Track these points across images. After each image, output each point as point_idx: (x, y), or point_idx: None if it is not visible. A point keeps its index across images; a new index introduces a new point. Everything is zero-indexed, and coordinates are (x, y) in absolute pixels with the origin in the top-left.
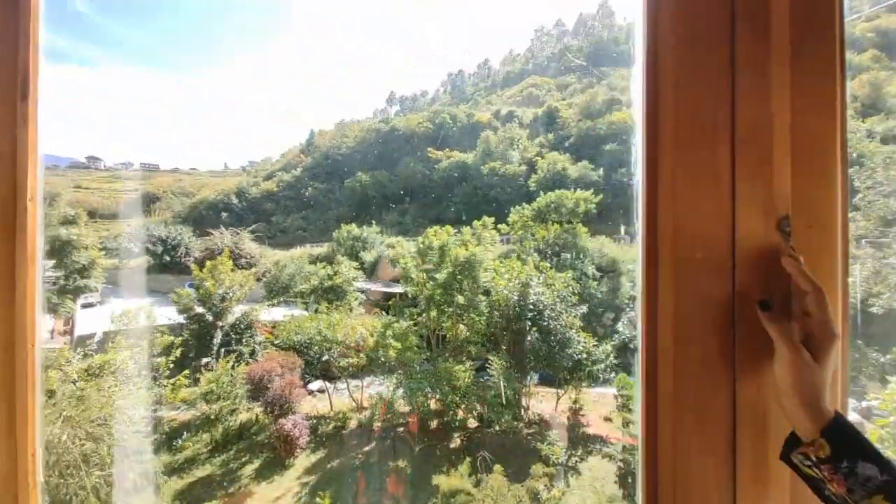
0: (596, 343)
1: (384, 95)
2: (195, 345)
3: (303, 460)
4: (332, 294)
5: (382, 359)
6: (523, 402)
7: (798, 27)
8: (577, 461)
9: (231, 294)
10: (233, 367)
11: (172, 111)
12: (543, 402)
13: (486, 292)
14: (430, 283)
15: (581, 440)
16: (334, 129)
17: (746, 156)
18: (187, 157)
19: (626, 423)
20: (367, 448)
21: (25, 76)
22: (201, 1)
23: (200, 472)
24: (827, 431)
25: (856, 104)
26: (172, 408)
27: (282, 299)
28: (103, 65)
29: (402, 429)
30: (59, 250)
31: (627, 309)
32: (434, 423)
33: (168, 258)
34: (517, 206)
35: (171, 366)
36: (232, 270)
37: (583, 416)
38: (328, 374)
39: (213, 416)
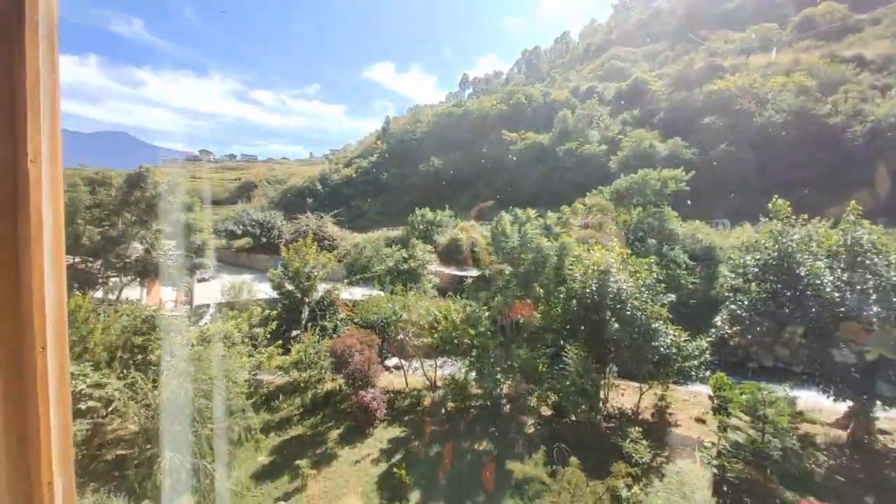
0: (688, 337)
1: (457, 79)
2: (286, 318)
3: (381, 431)
4: (406, 276)
5: (456, 341)
6: (601, 395)
7: None
8: (662, 462)
9: (315, 273)
10: (317, 341)
11: (268, 114)
12: (625, 396)
13: (563, 280)
14: (508, 269)
15: (668, 440)
16: (408, 115)
17: None
18: (279, 148)
19: (723, 428)
20: (439, 427)
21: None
22: (304, 30)
23: (294, 431)
24: None
25: None
26: (270, 373)
27: (359, 277)
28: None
29: (474, 411)
30: (180, 233)
31: (728, 302)
32: (507, 408)
33: (265, 239)
34: (595, 189)
35: (269, 336)
36: (316, 252)
37: (671, 414)
38: (404, 352)
39: (302, 384)
